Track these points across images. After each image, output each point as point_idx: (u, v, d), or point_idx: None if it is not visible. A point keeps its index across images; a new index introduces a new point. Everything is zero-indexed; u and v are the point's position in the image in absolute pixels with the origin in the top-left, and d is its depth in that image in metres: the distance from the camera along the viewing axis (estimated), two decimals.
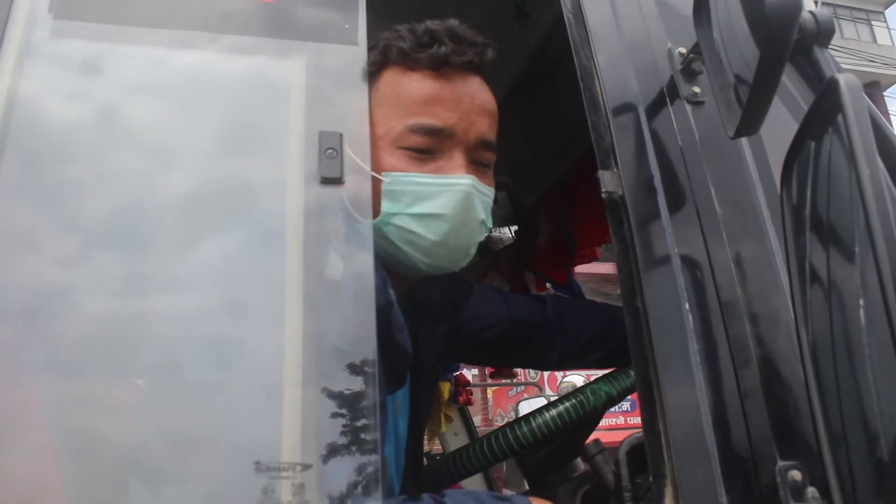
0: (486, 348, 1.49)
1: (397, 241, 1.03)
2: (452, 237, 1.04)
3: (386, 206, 1.02)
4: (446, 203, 1.03)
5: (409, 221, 1.02)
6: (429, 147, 1.05)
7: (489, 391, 11.12)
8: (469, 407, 2.81)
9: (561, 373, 7.51)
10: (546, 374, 8.56)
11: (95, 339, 0.77)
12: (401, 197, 1.02)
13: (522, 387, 9.58)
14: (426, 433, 2.51)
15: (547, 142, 1.97)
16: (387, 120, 1.05)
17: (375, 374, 0.79)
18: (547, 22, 1.63)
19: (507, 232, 2.43)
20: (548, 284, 2.21)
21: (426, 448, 2.57)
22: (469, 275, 2.64)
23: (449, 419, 2.61)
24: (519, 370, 6.58)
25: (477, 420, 10.59)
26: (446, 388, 2.53)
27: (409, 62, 1.07)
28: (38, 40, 0.88)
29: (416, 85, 1.07)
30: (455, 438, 2.74)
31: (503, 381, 8.54)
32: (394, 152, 1.04)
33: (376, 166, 1.01)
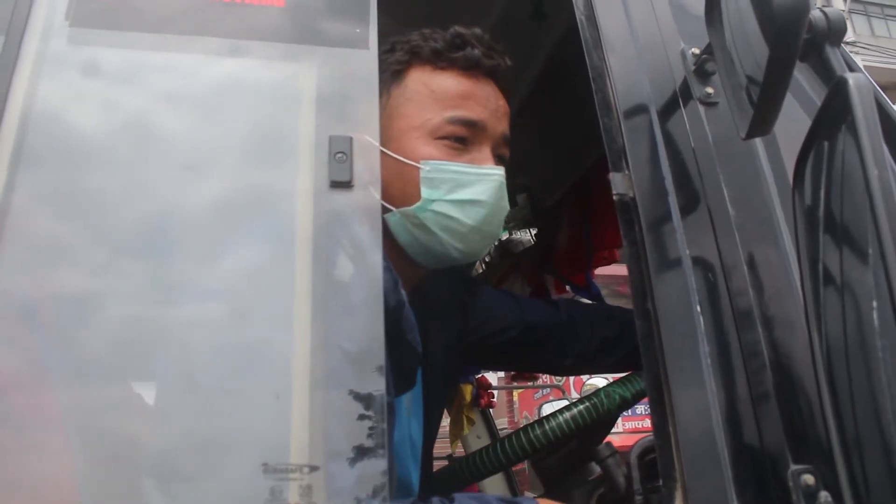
0: (499, 351, 1.49)
1: (434, 227, 1.08)
2: (486, 223, 1.10)
3: (426, 192, 1.08)
4: (485, 190, 1.09)
5: (449, 207, 1.08)
6: (465, 137, 1.12)
7: (515, 394, 11.06)
8: (495, 409, 2.81)
9: (586, 376, 7.45)
10: (571, 377, 8.48)
11: (105, 343, 0.78)
12: (440, 184, 1.08)
13: (548, 389, 9.52)
14: (449, 436, 2.52)
15: (566, 143, 1.97)
16: (421, 113, 1.12)
17: (384, 377, 0.80)
18: (563, 23, 1.62)
19: (527, 234, 2.42)
20: (567, 287, 2.20)
21: (450, 451, 2.57)
22: (490, 276, 2.65)
23: (471, 422, 2.61)
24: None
25: (503, 422, 10.52)
26: (468, 390, 2.52)
27: (440, 62, 1.15)
28: (55, 48, 0.90)
29: (451, 82, 1.14)
30: (478, 441, 2.74)
31: (527, 384, 8.50)
32: (430, 142, 1.11)
33: (412, 156, 1.09)
